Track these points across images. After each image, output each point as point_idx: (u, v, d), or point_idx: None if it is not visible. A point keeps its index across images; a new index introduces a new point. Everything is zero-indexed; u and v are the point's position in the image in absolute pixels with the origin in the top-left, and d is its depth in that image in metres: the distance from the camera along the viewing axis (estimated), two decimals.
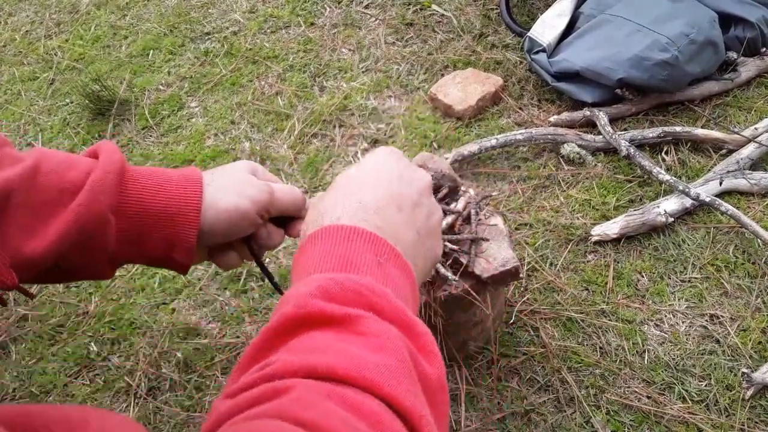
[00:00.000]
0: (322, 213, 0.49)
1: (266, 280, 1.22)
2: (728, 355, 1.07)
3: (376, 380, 0.37)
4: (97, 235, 0.55)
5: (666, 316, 1.14)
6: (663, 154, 1.39)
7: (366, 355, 0.38)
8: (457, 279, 0.89)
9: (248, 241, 0.65)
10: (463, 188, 0.99)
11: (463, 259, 0.91)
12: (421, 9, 1.82)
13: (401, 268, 0.46)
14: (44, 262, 0.53)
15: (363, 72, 1.67)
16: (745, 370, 1.01)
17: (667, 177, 1.26)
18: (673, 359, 1.07)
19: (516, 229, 1.28)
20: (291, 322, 0.41)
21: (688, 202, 1.25)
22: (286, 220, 0.68)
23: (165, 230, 0.57)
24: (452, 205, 0.96)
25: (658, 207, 1.24)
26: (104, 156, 0.56)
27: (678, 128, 1.39)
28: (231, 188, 0.60)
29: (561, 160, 1.41)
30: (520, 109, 1.53)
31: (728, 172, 1.31)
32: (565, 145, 1.40)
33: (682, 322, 1.12)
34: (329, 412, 0.34)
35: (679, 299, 1.16)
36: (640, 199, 1.31)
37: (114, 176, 0.55)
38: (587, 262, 1.22)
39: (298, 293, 0.42)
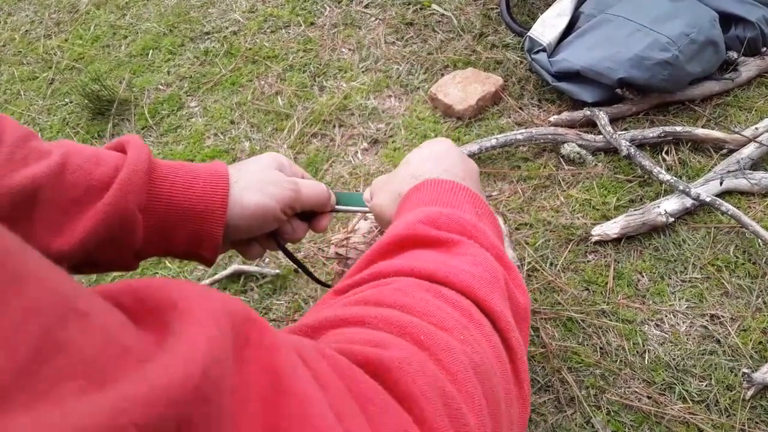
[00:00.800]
0: (414, 174, 0.56)
1: (264, 279, 1.22)
2: (729, 356, 1.07)
3: (472, 284, 0.41)
4: (125, 232, 0.55)
5: (666, 316, 1.13)
6: (663, 153, 1.39)
7: (465, 266, 0.42)
8: None
9: (274, 235, 0.67)
10: None
11: None
12: (421, 8, 1.82)
13: (493, 224, 0.52)
14: (72, 257, 0.54)
15: (363, 72, 1.66)
16: (745, 371, 1.01)
17: (667, 177, 1.26)
18: (674, 359, 1.07)
19: (516, 229, 1.28)
20: (400, 240, 0.45)
21: (688, 202, 1.25)
22: (311, 214, 0.69)
23: (192, 227, 0.58)
24: None
25: (659, 207, 1.24)
26: (132, 152, 0.56)
27: (678, 128, 1.39)
28: (257, 186, 0.60)
29: (561, 159, 1.41)
30: (521, 108, 1.53)
31: (729, 171, 1.31)
32: (566, 145, 1.40)
33: (683, 322, 1.12)
34: (425, 300, 0.38)
35: (679, 299, 1.15)
36: (641, 199, 1.31)
37: (142, 174, 0.55)
38: (587, 262, 1.22)
39: (407, 220, 0.47)
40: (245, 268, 1.23)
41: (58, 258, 0.52)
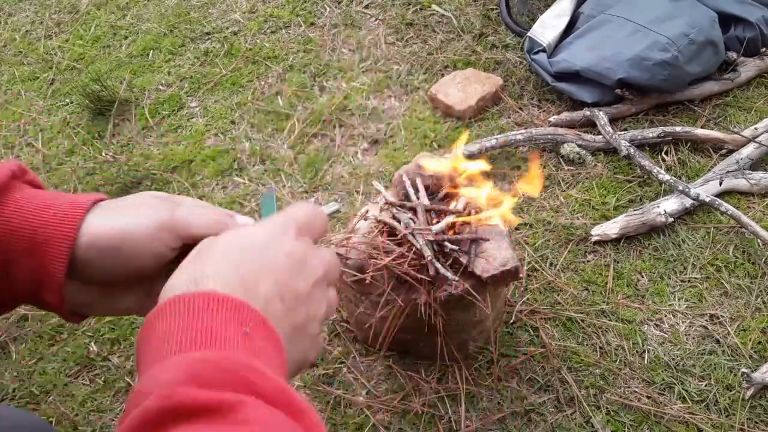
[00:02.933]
0: (196, 278, 0.40)
1: None
2: (728, 355, 1.07)
3: None
4: None
5: (666, 316, 1.14)
6: (663, 154, 1.40)
7: None
8: (457, 279, 0.89)
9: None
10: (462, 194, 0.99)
11: (463, 259, 0.91)
12: (421, 9, 1.82)
13: (270, 339, 0.40)
14: None
15: (363, 72, 1.67)
16: (745, 370, 1.01)
17: (666, 177, 1.26)
18: (673, 359, 1.07)
19: (516, 229, 1.28)
20: (154, 418, 0.33)
21: (688, 202, 1.25)
22: None
23: (32, 261, 0.47)
24: (452, 205, 0.96)
25: (658, 207, 1.24)
26: None
27: (678, 128, 1.39)
28: (118, 210, 0.49)
29: (561, 160, 1.41)
30: (520, 109, 1.53)
31: (728, 172, 1.31)
32: (565, 145, 1.40)
33: (682, 322, 1.13)
34: None
35: (679, 299, 1.16)
36: (640, 199, 1.31)
37: None
38: (587, 262, 1.23)
39: (160, 380, 0.34)
40: None
41: None
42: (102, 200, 0.49)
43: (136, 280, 0.50)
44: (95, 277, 0.48)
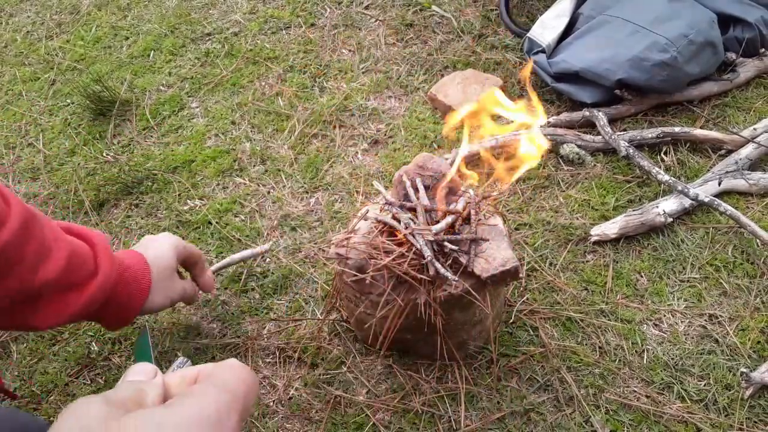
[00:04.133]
0: None
1: (265, 279, 1.23)
2: (727, 355, 1.08)
3: None
4: (82, 318, 0.86)
5: (665, 315, 1.14)
6: (662, 154, 1.40)
7: None
8: (456, 279, 0.89)
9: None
10: (462, 188, 1.00)
11: (463, 259, 0.91)
12: (420, 10, 1.83)
13: None
14: (38, 330, 0.89)
15: (363, 73, 1.67)
16: (744, 370, 1.01)
17: (666, 177, 1.27)
18: (672, 359, 1.08)
19: (515, 229, 1.29)
20: None
21: (687, 202, 1.25)
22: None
23: (115, 318, 0.89)
24: (452, 205, 0.96)
25: (657, 207, 1.24)
26: (103, 272, 0.83)
27: (677, 129, 1.39)
28: (162, 292, 0.93)
29: (560, 160, 1.41)
30: None
31: (727, 172, 1.31)
32: (565, 146, 1.40)
33: (681, 322, 1.13)
34: None
35: (678, 299, 1.16)
36: (639, 200, 1.32)
37: (109, 291, 0.84)
38: (586, 262, 1.23)
39: None
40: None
41: (31, 330, 0.86)
42: (147, 281, 0.92)
43: None
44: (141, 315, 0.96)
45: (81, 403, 0.32)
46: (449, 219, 0.94)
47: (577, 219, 1.29)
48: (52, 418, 1.07)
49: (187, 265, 1.02)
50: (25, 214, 0.72)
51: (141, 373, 0.37)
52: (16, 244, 0.69)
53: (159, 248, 0.93)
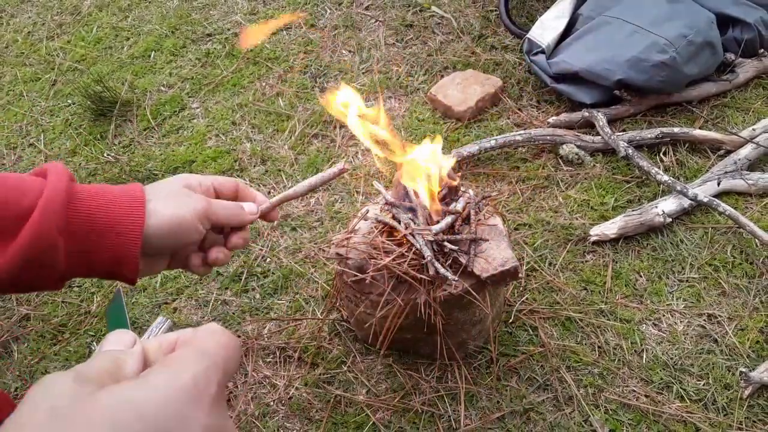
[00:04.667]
0: None
1: (266, 279, 1.23)
2: (726, 355, 1.08)
3: None
4: (47, 256, 0.57)
5: (664, 315, 1.14)
6: (661, 154, 1.40)
7: None
8: (456, 279, 0.90)
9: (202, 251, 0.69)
10: (462, 189, 1.00)
11: (463, 259, 0.92)
12: (420, 11, 1.83)
13: None
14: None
15: (363, 73, 1.68)
16: (743, 370, 1.02)
17: (665, 177, 1.27)
18: (671, 358, 1.08)
19: (515, 229, 1.29)
20: None
21: (686, 203, 1.26)
22: (227, 233, 0.72)
23: (112, 247, 0.60)
24: (452, 206, 0.97)
25: (657, 207, 1.25)
26: (52, 178, 0.58)
27: (676, 129, 1.40)
28: (171, 200, 0.63)
29: (560, 160, 1.42)
30: (519, 110, 1.54)
31: (726, 172, 1.32)
32: (564, 146, 1.41)
33: (680, 322, 1.13)
34: None
35: (677, 299, 1.16)
36: (639, 200, 1.32)
37: (61, 199, 0.57)
38: (586, 262, 1.23)
39: None
40: None
41: None
42: (141, 190, 0.62)
43: (174, 251, 0.66)
44: (160, 250, 0.63)
45: (49, 381, 0.30)
46: (449, 219, 0.94)
47: (577, 219, 1.30)
48: None
49: (222, 197, 0.71)
50: None
51: (118, 342, 0.35)
52: None
53: (163, 181, 0.68)
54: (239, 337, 1.16)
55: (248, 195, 0.73)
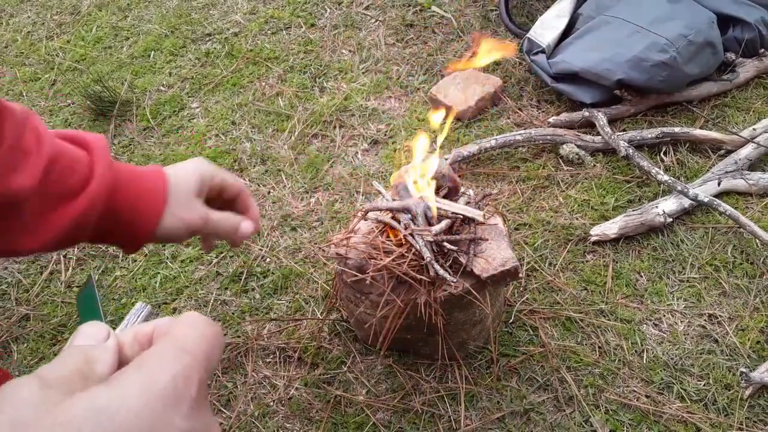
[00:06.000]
0: None
1: (266, 279, 1.23)
2: (726, 355, 1.08)
3: None
4: (81, 233, 0.62)
5: (665, 315, 1.14)
6: (661, 154, 1.40)
7: None
8: (455, 280, 0.90)
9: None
10: (462, 188, 1.00)
11: (463, 259, 0.92)
12: (421, 10, 1.83)
13: None
14: (31, 254, 0.61)
15: (363, 73, 1.67)
16: (743, 370, 1.02)
17: (665, 177, 1.27)
18: (672, 359, 1.08)
19: (515, 229, 1.29)
20: None
21: (686, 203, 1.26)
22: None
23: (128, 234, 0.65)
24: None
25: (657, 207, 1.25)
26: (99, 168, 0.62)
27: (676, 129, 1.40)
28: (178, 211, 0.69)
29: (560, 160, 1.41)
30: (520, 110, 1.54)
31: (726, 172, 1.31)
32: (564, 146, 1.40)
33: (681, 322, 1.13)
34: None
35: (677, 299, 1.16)
36: (639, 200, 1.32)
37: (106, 193, 0.62)
38: (586, 262, 1.23)
39: None
40: None
41: (20, 256, 0.61)
42: (164, 186, 0.68)
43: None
44: (159, 240, 0.68)
45: (11, 389, 0.27)
46: (449, 219, 0.94)
47: (577, 219, 1.29)
48: None
49: (224, 199, 0.76)
50: None
51: (90, 336, 0.32)
52: None
53: (182, 167, 0.74)
54: (239, 337, 1.15)
55: (245, 204, 0.76)
